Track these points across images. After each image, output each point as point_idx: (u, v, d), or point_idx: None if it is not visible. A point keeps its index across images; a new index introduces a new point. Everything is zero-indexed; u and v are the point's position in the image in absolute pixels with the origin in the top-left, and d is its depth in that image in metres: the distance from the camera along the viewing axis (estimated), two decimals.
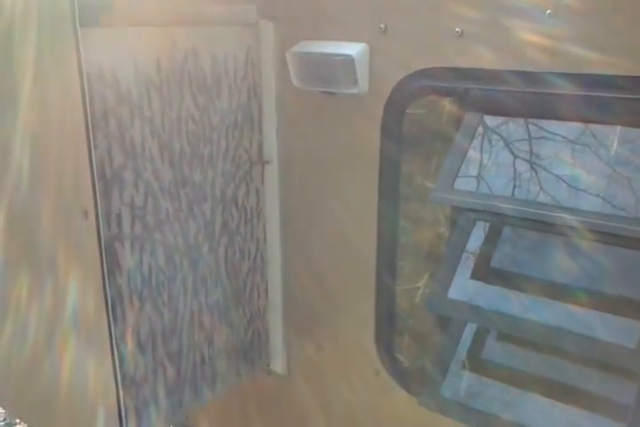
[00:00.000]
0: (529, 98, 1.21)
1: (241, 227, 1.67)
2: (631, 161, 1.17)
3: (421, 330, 1.59)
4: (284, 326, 1.77)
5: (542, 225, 1.23)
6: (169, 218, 1.47)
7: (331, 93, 1.51)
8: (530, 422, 1.24)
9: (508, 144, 1.29)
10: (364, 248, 1.57)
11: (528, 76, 1.20)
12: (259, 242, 1.74)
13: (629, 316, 1.14)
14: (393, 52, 1.38)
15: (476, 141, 1.32)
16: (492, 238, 1.35)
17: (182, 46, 1.42)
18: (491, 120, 1.32)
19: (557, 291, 1.23)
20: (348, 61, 1.42)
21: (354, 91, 1.45)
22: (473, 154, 1.32)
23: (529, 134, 1.27)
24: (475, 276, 1.35)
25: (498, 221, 1.31)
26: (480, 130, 1.31)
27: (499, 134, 1.30)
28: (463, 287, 1.33)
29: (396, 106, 1.41)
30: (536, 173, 1.24)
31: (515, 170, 1.27)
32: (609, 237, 1.14)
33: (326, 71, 1.48)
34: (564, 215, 1.15)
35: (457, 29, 1.25)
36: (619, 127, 1.18)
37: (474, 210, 1.32)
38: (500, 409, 1.29)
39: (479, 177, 1.31)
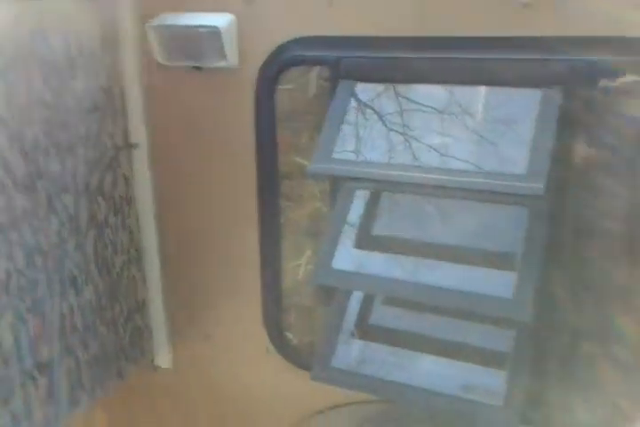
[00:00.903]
0: (400, 63, 1.24)
1: (110, 218, 1.54)
2: (494, 128, 1.22)
3: (308, 306, 1.57)
4: (166, 319, 1.67)
5: (418, 187, 1.26)
6: (26, 215, 1.32)
7: (199, 69, 1.44)
8: (419, 380, 1.27)
9: (381, 117, 1.31)
10: (245, 230, 1.52)
11: (397, 42, 1.22)
12: (132, 233, 1.62)
13: (503, 268, 1.19)
14: (262, 23, 1.35)
15: (352, 117, 1.32)
16: (372, 206, 1.37)
17: (26, 24, 1.28)
18: (363, 95, 1.33)
19: (436, 251, 1.26)
20: (214, 33, 1.36)
21: (223, 64, 1.40)
22: (349, 129, 1.32)
23: (400, 107, 1.29)
24: (357, 245, 1.35)
25: (376, 188, 1.32)
26: (354, 104, 1.32)
27: (372, 108, 1.32)
28: (348, 257, 1.33)
29: (268, 79, 1.38)
30: (409, 143, 1.27)
31: (389, 142, 1.28)
32: (476, 194, 1.20)
33: (192, 45, 1.41)
34: (435, 176, 1.18)
35: None
36: (482, 96, 1.23)
37: (352, 178, 1.33)
38: (389, 372, 1.30)
39: (357, 151, 1.31)
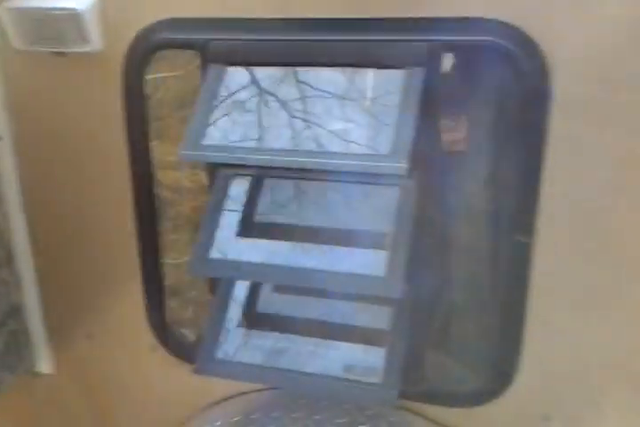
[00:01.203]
0: (265, 46, 1.22)
1: None
2: (387, 111, 1.22)
3: (193, 300, 1.53)
4: (45, 323, 1.58)
5: (294, 172, 1.25)
6: None
7: (61, 53, 1.36)
8: (302, 365, 1.27)
9: (283, 104, 1.28)
10: (121, 226, 1.46)
11: (266, 23, 1.21)
12: (1, 232, 1.52)
13: (377, 248, 1.21)
14: (124, 4, 1.29)
15: (253, 104, 1.29)
16: (253, 194, 1.34)
17: None
18: (265, 82, 1.29)
19: (314, 234, 1.26)
20: (75, 16, 1.29)
21: (86, 49, 1.32)
22: (235, 114, 1.29)
23: (300, 93, 1.27)
24: (239, 233, 1.32)
25: (252, 174, 1.30)
26: (243, 77, 1.28)
27: (273, 95, 1.29)
28: (228, 246, 1.30)
29: (135, 63, 1.32)
30: (318, 131, 1.25)
31: (293, 129, 1.26)
32: (349, 176, 1.20)
33: (51, 29, 1.33)
34: (303, 159, 1.17)
35: None
36: (374, 81, 1.23)
37: (228, 165, 1.30)
38: (275, 359, 1.29)
39: (260, 139, 1.28)
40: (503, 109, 1.20)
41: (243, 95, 1.26)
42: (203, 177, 1.53)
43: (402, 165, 1.07)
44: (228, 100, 1.27)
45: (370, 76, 1.22)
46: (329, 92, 1.19)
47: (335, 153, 1.13)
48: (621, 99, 1.08)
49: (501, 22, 1.09)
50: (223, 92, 1.27)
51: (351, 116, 1.18)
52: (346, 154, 1.12)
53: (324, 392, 1.25)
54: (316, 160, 1.14)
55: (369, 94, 1.21)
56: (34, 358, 1.60)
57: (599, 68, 1.08)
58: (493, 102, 1.22)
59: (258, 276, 1.24)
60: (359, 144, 1.13)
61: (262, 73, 1.27)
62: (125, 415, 1.63)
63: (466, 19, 1.10)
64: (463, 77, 1.21)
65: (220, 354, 1.29)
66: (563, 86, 1.10)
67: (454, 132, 1.27)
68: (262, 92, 1.25)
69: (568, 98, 1.10)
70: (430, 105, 1.17)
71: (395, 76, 1.16)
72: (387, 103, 1.17)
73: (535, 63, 1.09)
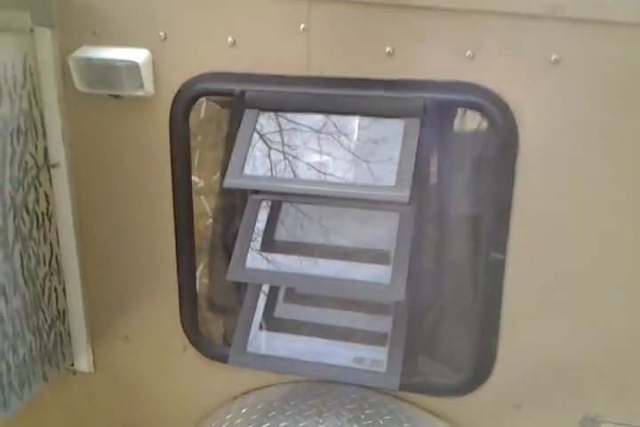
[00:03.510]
0: (292, 96, 1.50)
1: (34, 232, 1.67)
2: (366, 146, 1.50)
3: (219, 306, 1.78)
4: (86, 326, 1.81)
5: (313, 199, 1.53)
6: None
7: (117, 96, 1.63)
8: (318, 358, 1.54)
9: (262, 136, 1.55)
10: (161, 243, 1.71)
11: (292, 79, 1.49)
12: (52, 246, 1.75)
13: (382, 262, 1.48)
14: (174, 58, 1.56)
15: (271, 135, 1.54)
16: (274, 215, 1.61)
17: None
18: (286, 125, 1.55)
19: (328, 251, 1.53)
20: (134, 67, 1.56)
21: (140, 93, 1.60)
22: (267, 149, 1.54)
23: (280, 126, 1.54)
24: (262, 248, 1.58)
25: (278, 199, 1.57)
26: (273, 121, 1.54)
27: (294, 125, 1.54)
28: (256, 259, 1.56)
29: (180, 107, 1.59)
30: (289, 162, 1.52)
31: (270, 161, 1.52)
32: (356, 203, 1.48)
33: (111, 76, 1.60)
34: (326, 188, 1.44)
35: (230, 39, 1.49)
36: (360, 125, 1.52)
37: (257, 192, 1.57)
38: (294, 354, 1.55)
39: (279, 175, 1.51)
40: (483, 153, 1.50)
41: (273, 135, 1.53)
42: (204, 203, 1.78)
43: (405, 195, 1.35)
44: (261, 139, 1.55)
45: (377, 124, 1.51)
46: (346, 135, 1.47)
47: (352, 184, 1.42)
48: (578, 146, 1.39)
49: (482, 87, 1.39)
50: (256, 133, 1.55)
51: (363, 155, 1.46)
52: (362, 185, 1.40)
53: (341, 378, 1.51)
54: (338, 190, 1.41)
55: (376, 138, 1.50)
56: (75, 357, 1.83)
57: (557, 123, 1.39)
58: (474, 147, 1.52)
59: (283, 281, 1.51)
60: (371, 177, 1.41)
61: (285, 116, 1.55)
62: (155, 410, 1.86)
63: (456, 82, 1.40)
64: (449, 127, 1.52)
65: (250, 349, 1.54)
66: (527, 136, 1.40)
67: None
68: (288, 134, 1.53)
69: (531, 146, 1.40)
70: (425, 148, 1.46)
71: (396, 124, 1.45)
72: (390, 145, 1.47)
73: (505, 118, 1.39)
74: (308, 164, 1.49)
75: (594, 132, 1.38)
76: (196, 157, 1.71)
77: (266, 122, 1.53)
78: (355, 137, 1.49)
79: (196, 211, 1.74)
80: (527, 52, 1.36)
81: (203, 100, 1.65)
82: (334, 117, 1.51)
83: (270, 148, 1.51)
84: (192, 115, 1.64)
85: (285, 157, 1.51)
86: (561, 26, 1.33)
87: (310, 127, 1.51)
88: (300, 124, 1.53)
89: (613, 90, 1.35)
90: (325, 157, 1.50)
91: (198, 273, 1.77)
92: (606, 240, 1.43)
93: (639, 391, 1.51)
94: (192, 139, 1.69)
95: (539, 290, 1.50)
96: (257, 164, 1.48)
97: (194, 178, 1.70)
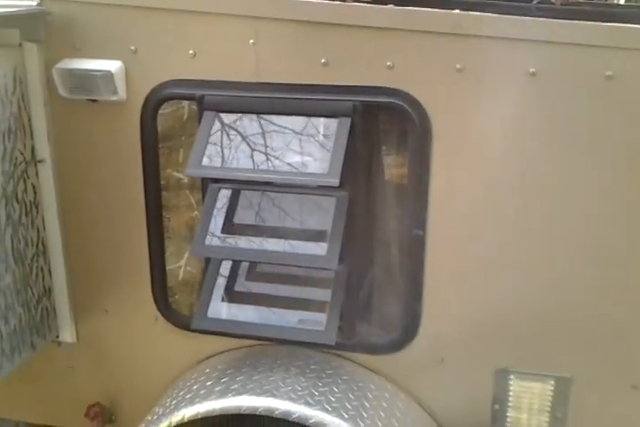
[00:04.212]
0: (244, 100, 1.77)
1: (22, 218, 1.93)
2: (307, 141, 1.75)
3: (184, 282, 2.06)
4: (70, 301, 2.07)
5: (263, 186, 1.80)
6: None
7: (95, 101, 1.89)
8: (269, 321, 1.82)
9: (244, 138, 1.81)
10: (136, 230, 1.98)
11: (243, 85, 1.76)
12: (39, 230, 2.01)
13: (321, 240, 1.75)
14: (143, 68, 1.83)
15: (217, 137, 1.82)
16: (233, 201, 1.87)
17: None
18: (226, 117, 1.82)
19: (278, 231, 1.80)
20: (108, 75, 1.83)
21: (114, 98, 1.86)
22: (214, 149, 1.81)
23: (262, 128, 1.80)
24: (223, 230, 1.85)
25: (235, 187, 1.84)
26: (218, 126, 1.82)
27: (235, 129, 1.82)
28: (216, 238, 1.82)
29: (149, 109, 1.86)
30: (271, 162, 1.78)
31: (253, 161, 1.79)
32: (300, 189, 1.76)
33: (89, 83, 1.86)
34: (269, 175, 1.72)
35: (190, 51, 1.76)
36: (307, 123, 1.79)
37: (216, 180, 1.83)
38: (249, 319, 1.82)
39: (232, 165, 1.77)
40: (404, 144, 1.79)
41: (226, 133, 1.80)
42: (189, 197, 2.04)
43: (335, 180, 1.63)
44: (216, 136, 1.81)
45: (318, 122, 1.78)
46: (290, 130, 1.74)
47: (293, 172, 1.69)
48: (481, 136, 1.68)
49: (401, 91, 1.68)
50: (213, 130, 1.81)
51: (304, 149, 1.74)
52: (300, 172, 1.68)
53: (286, 336, 1.78)
54: (280, 177, 1.69)
55: (315, 134, 1.77)
56: (60, 329, 2.08)
57: (463, 119, 1.68)
58: (397, 139, 1.81)
59: (241, 256, 1.78)
60: (310, 166, 1.69)
61: (233, 117, 1.81)
62: (132, 375, 2.11)
63: (379, 87, 1.69)
64: (376, 123, 1.80)
65: (210, 314, 1.80)
66: (438, 129, 1.69)
67: (401, 168, 1.84)
68: (240, 131, 1.80)
69: (443, 137, 1.70)
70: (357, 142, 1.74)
71: (332, 123, 1.73)
72: (328, 140, 1.74)
73: (420, 115, 1.68)
74: (260, 155, 1.76)
75: (495, 124, 1.67)
76: (180, 156, 1.97)
77: (222, 122, 1.80)
78: (299, 133, 1.76)
79: (182, 204, 2.01)
80: (436, 62, 1.66)
81: (186, 103, 1.90)
82: (282, 118, 1.79)
83: (226, 143, 1.78)
84: (175, 116, 1.90)
85: (240, 151, 1.78)
86: (462, 40, 1.63)
87: (262, 127, 1.79)
88: (252, 124, 1.81)
89: (507, 91, 1.64)
90: (274, 152, 1.77)
91: (183, 261, 2.04)
92: (508, 218, 1.72)
93: (543, 344, 1.79)
94: (176, 139, 1.95)
95: (455, 261, 1.78)
96: (213, 157, 1.75)
97: (179, 175, 1.97)
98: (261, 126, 1.77)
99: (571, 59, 1.59)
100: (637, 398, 1.77)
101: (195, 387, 1.78)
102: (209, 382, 1.79)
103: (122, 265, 2.02)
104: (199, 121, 1.81)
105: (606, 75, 1.56)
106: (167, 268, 2.03)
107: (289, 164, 1.73)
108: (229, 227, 1.86)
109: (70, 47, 1.87)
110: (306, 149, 1.72)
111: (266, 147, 1.75)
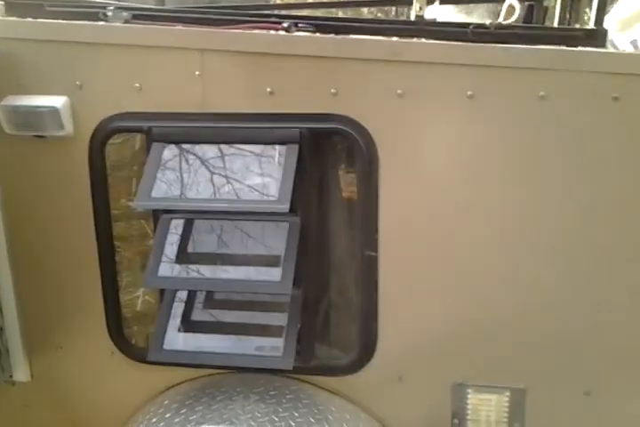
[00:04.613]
0: (192, 130, 1.79)
1: None
2: (254, 168, 1.78)
3: (142, 313, 2.03)
4: (23, 340, 2.02)
5: (212, 214, 1.82)
6: None
7: (41, 137, 1.88)
8: (226, 350, 1.81)
9: (203, 162, 1.83)
10: (88, 264, 1.96)
11: (191, 116, 1.79)
12: None
13: (274, 265, 1.77)
14: (90, 102, 1.84)
15: (166, 168, 1.83)
16: (186, 231, 1.88)
17: None
18: (175, 148, 1.83)
19: (230, 258, 1.81)
20: (54, 111, 1.82)
21: (61, 133, 1.86)
22: (172, 175, 1.82)
23: (221, 152, 1.82)
24: (177, 260, 1.85)
25: (187, 216, 1.85)
26: (167, 156, 1.83)
27: (185, 159, 1.83)
28: (170, 269, 1.82)
29: (97, 143, 1.86)
30: (232, 185, 1.80)
31: (213, 185, 1.79)
32: (252, 216, 1.78)
33: (35, 120, 1.85)
34: (218, 204, 1.73)
35: (136, 84, 1.78)
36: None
37: (167, 211, 1.84)
38: (206, 349, 1.82)
39: (182, 196, 1.80)
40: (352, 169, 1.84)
41: (175, 163, 1.81)
42: (145, 226, 2.04)
43: (285, 206, 1.66)
44: (165, 166, 1.82)
45: (268, 149, 1.82)
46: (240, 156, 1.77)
47: (243, 200, 1.71)
48: (425, 160, 1.74)
49: (346, 117, 1.73)
50: (162, 161, 1.82)
51: (255, 175, 1.76)
52: (250, 200, 1.70)
53: (244, 364, 1.78)
54: (230, 205, 1.71)
55: (267, 160, 1.80)
56: (14, 369, 2.03)
57: (407, 142, 1.74)
58: (345, 164, 1.86)
59: (195, 286, 1.78)
60: (260, 193, 1.71)
61: (186, 147, 1.83)
62: (90, 411, 2.06)
63: (324, 114, 1.74)
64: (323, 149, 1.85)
65: (166, 346, 1.79)
66: (384, 154, 1.74)
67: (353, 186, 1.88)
68: (189, 161, 1.82)
69: (388, 161, 1.75)
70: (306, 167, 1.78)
71: (281, 149, 1.76)
72: (277, 167, 1.77)
73: (366, 140, 1.73)
74: (210, 183, 1.78)
75: (437, 147, 1.74)
76: (133, 185, 1.96)
77: (171, 153, 1.82)
78: (245, 161, 1.79)
79: (137, 233, 2.00)
80: (378, 88, 1.72)
81: (137, 134, 1.90)
82: (229, 147, 1.82)
83: (176, 173, 1.80)
84: (127, 146, 1.90)
85: (191, 180, 1.79)
86: (401, 66, 1.70)
87: (210, 156, 1.81)
88: (202, 153, 1.83)
89: (447, 115, 1.72)
90: (222, 180, 1.79)
91: (140, 291, 2.03)
92: (455, 237, 1.78)
93: (497, 357, 1.84)
94: (128, 168, 1.95)
95: (407, 281, 1.82)
96: (162, 188, 1.76)
97: (132, 204, 1.96)
98: (212, 154, 1.79)
99: (506, 81, 1.67)
100: (590, 404, 1.84)
101: (154, 420, 1.77)
102: (168, 415, 1.77)
103: (74, 300, 1.99)
104: (148, 152, 1.83)
105: (540, 95, 1.65)
106: (125, 298, 2.01)
107: (240, 189, 1.76)
108: (183, 256, 1.86)
109: (14, 84, 1.86)
110: (257, 175, 1.75)
111: (216, 174, 1.77)
